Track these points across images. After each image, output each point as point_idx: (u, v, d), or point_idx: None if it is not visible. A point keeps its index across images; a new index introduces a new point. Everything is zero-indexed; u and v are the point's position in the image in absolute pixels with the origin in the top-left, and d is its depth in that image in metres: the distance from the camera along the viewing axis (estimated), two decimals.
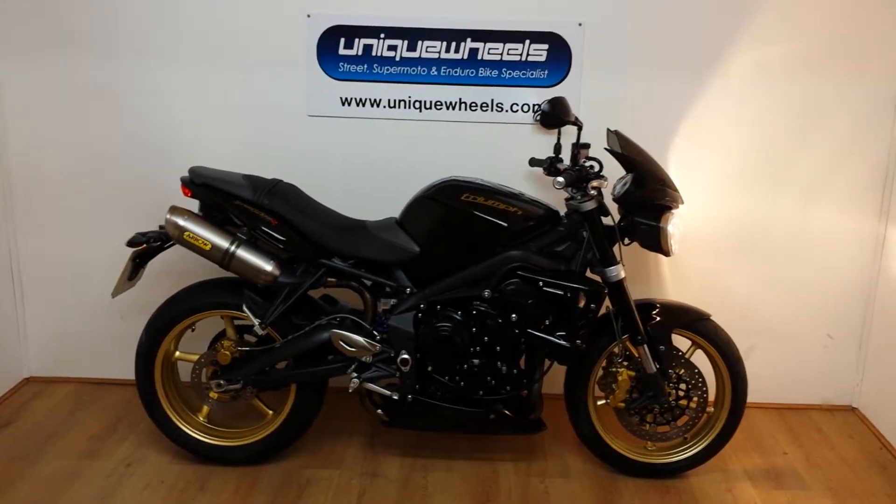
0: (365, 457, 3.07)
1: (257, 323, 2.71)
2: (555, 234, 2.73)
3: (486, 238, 2.69)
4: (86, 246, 3.47)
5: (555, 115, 2.58)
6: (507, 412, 2.82)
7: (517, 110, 3.23)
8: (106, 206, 3.43)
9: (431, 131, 3.27)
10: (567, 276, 2.69)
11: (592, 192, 2.63)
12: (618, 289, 2.72)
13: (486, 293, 2.68)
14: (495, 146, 3.26)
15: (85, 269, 3.50)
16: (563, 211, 2.80)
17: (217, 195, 2.70)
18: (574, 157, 2.67)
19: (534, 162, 3.05)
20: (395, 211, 2.87)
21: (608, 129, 2.78)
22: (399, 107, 3.25)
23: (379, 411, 2.87)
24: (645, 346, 2.76)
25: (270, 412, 3.01)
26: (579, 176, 2.61)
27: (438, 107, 3.24)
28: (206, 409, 2.99)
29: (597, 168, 2.71)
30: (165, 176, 3.29)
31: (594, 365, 2.86)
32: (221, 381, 2.84)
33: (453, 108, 3.24)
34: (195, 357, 2.92)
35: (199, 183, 2.71)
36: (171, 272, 3.34)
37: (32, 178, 3.43)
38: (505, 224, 2.66)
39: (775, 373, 3.50)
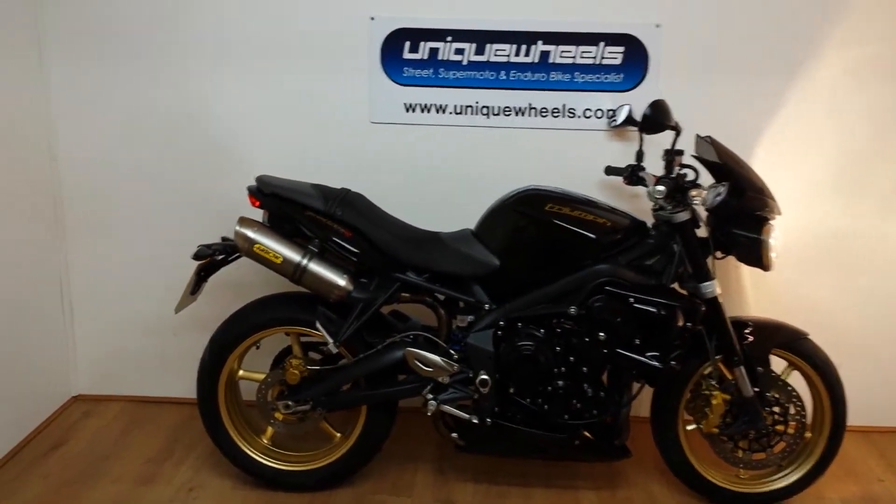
0: (436, 482, 2.91)
1: (332, 342, 2.55)
2: (644, 247, 2.56)
3: (571, 251, 2.53)
4: (137, 260, 3.35)
5: (656, 120, 2.42)
6: (592, 437, 2.65)
7: (590, 115, 3.07)
8: (159, 218, 3.31)
9: (500, 139, 3.13)
10: (659, 291, 2.52)
11: (691, 201, 2.46)
12: (712, 306, 2.54)
13: (572, 310, 2.52)
14: (567, 154, 3.11)
15: (136, 283, 3.38)
16: (649, 222, 2.63)
17: (287, 205, 2.55)
18: (669, 165, 2.51)
19: (611, 170, 2.89)
20: (462, 223, 2.72)
21: (697, 136, 2.61)
22: (466, 113, 3.10)
23: (453, 435, 2.71)
24: (742, 367, 2.58)
25: (338, 435, 2.85)
26: (675, 185, 2.45)
27: (507, 112, 3.09)
28: (270, 430, 2.84)
29: (691, 176, 2.54)
30: (223, 186, 3.19)
31: (684, 387, 2.68)
32: (290, 402, 2.69)
33: (523, 114, 3.09)
34: (260, 376, 2.77)
35: (268, 193, 2.57)
36: (228, 286, 3.20)
37: (84, 190, 3.31)
38: (593, 236, 2.50)
39: (861, 393, 3.29)
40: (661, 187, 2.40)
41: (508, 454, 2.79)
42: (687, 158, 2.55)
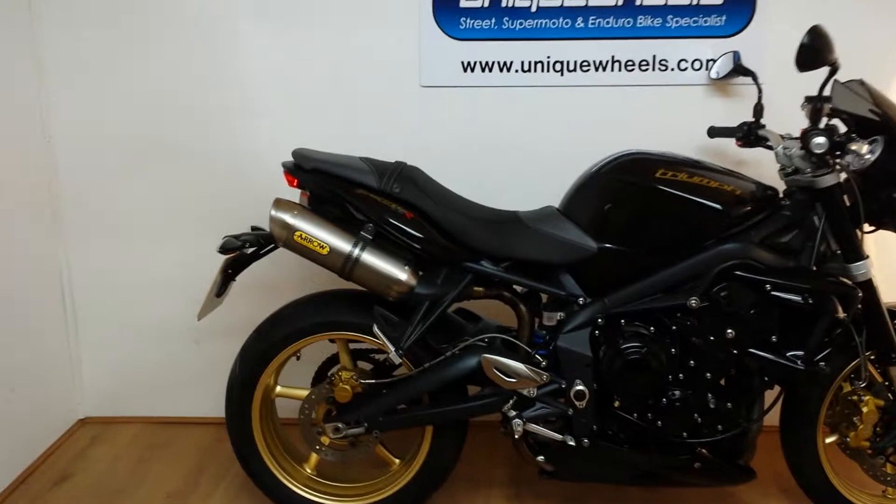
0: None
1: (393, 350, 2.06)
2: (778, 221, 2.06)
3: (690, 228, 2.03)
4: (149, 259, 2.87)
5: (817, 50, 1.89)
6: (714, 458, 2.15)
7: (686, 68, 2.57)
8: (172, 208, 2.82)
9: (576, 100, 2.63)
10: (803, 275, 2.01)
11: (845, 159, 1.95)
12: (865, 291, 2.03)
13: (693, 302, 2.01)
14: (659, 115, 2.61)
15: (148, 286, 2.90)
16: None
17: (333, 183, 2.06)
18: (816, 114, 1.99)
19: (717, 132, 2.39)
20: (538, 200, 2.24)
21: (836, 82, 2.08)
22: (535, 70, 2.61)
23: (540, 459, 2.21)
24: None
25: (397, 461, 2.36)
26: (830, 139, 1.94)
27: (585, 68, 2.59)
28: (315, 458, 2.35)
29: (842, 129, 2.02)
30: (250, 167, 2.69)
31: (826, 392, 2.17)
32: (340, 424, 2.20)
33: (604, 69, 2.59)
34: (301, 392, 2.29)
35: (309, 168, 2.07)
36: (260, 286, 2.72)
37: (83, 180, 2.81)
38: (718, 207, 2.00)
39: None
40: (820, 139, 1.90)
41: (608, 480, 2.29)
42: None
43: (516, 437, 2.12)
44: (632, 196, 2.05)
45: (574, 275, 2.14)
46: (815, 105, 1.98)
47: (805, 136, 1.94)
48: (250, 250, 2.18)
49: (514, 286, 2.18)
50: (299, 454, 2.40)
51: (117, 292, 2.91)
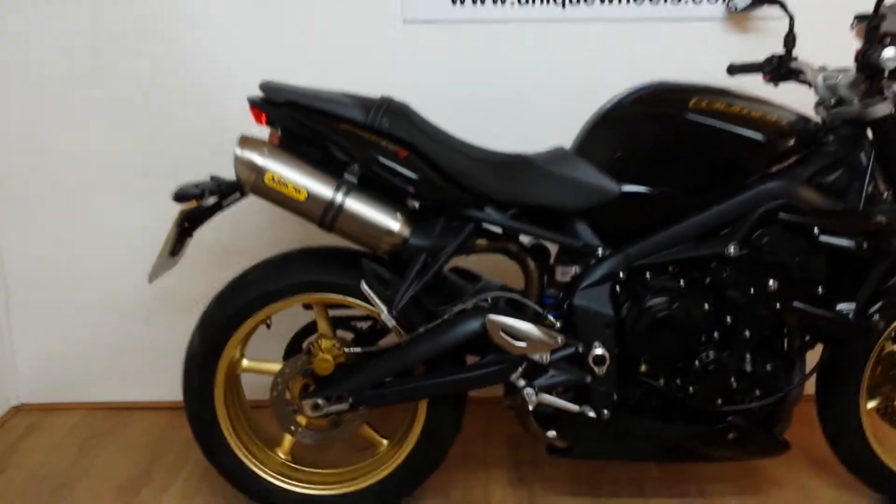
0: (518, 498, 2.13)
1: (385, 310, 1.75)
2: (823, 158, 1.81)
3: (728, 164, 1.77)
4: (89, 230, 2.51)
5: None
6: (750, 428, 1.89)
7: (701, 0, 2.30)
8: (114, 169, 2.46)
9: (579, 36, 2.35)
10: (854, 217, 1.77)
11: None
12: None
13: (731, 249, 1.75)
14: (670, 52, 2.35)
15: (90, 260, 2.54)
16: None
17: (311, 118, 1.74)
18: (871, 33, 1.73)
19: (738, 69, 2.14)
20: (539, 148, 1.93)
21: (879, 2, 1.83)
22: (533, 2, 2.31)
23: (551, 434, 1.93)
24: None
25: (385, 442, 2.05)
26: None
27: None
28: (289, 441, 2.03)
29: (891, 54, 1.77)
30: (202, 111, 2.33)
31: (870, 352, 1.94)
32: (320, 400, 1.88)
33: (610, 1, 2.31)
34: (273, 366, 1.96)
35: (282, 102, 1.74)
36: (214, 252, 2.37)
37: (8, 138, 2.43)
38: (760, 138, 1.73)
39: None
40: (891, 51, 1.65)
41: (627, 457, 2.02)
42: None
43: (530, 408, 1.83)
44: (661, 129, 1.78)
45: (591, 223, 1.85)
46: (871, 23, 1.72)
47: (865, 55, 1.68)
48: (211, 200, 1.85)
49: (522, 238, 1.89)
50: (270, 438, 2.08)
51: (55, 265, 2.54)
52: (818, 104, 1.89)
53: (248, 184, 1.74)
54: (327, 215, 1.74)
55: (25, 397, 2.68)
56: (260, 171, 1.72)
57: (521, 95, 2.37)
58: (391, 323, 1.75)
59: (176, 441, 2.42)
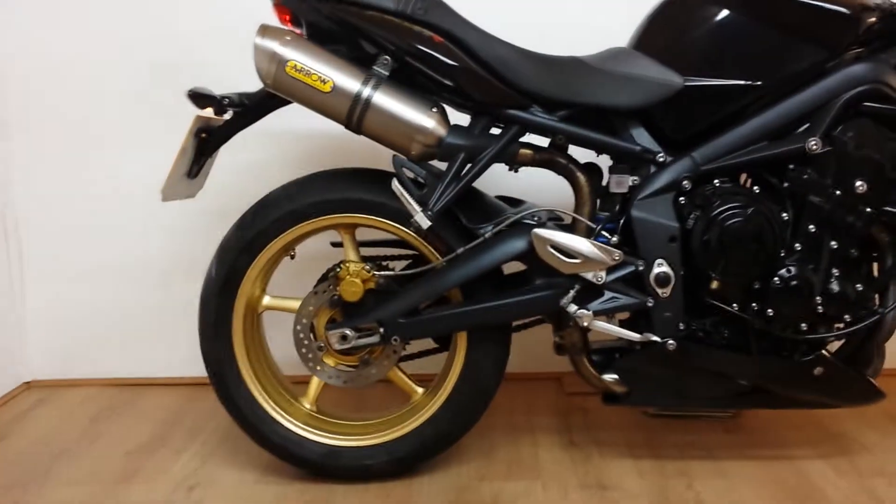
0: (573, 458, 1.89)
1: (419, 210, 1.55)
2: None
3: (810, 43, 1.56)
4: (101, 196, 2.35)
5: None
6: (839, 363, 1.64)
7: None
8: (136, 130, 2.32)
9: None
10: None
11: None
12: None
13: (812, 144, 1.53)
14: None
15: (102, 228, 2.38)
16: None
17: (339, 7, 1.58)
18: None
19: None
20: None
21: None
22: None
23: (608, 377, 1.69)
24: None
25: (419, 390, 1.83)
26: None
27: None
28: (316, 385, 1.82)
29: None
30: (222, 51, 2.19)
31: None
32: (348, 331, 1.68)
33: None
34: (297, 304, 1.76)
35: None
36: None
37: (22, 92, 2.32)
38: (848, 12, 1.53)
39: None
40: None
41: (695, 402, 1.76)
42: None
43: (582, 324, 1.60)
44: (734, 8, 1.57)
45: (650, 128, 1.66)
46: None
47: None
48: (230, 112, 1.69)
49: (573, 145, 1.69)
50: (293, 389, 1.87)
51: (68, 231, 2.39)
52: None
53: (268, 77, 1.58)
54: (354, 112, 1.57)
55: (36, 373, 2.50)
56: (281, 60, 1.56)
57: None
58: (426, 224, 1.55)
59: (195, 412, 2.22)
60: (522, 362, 2.23)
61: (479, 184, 1.67)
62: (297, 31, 1.63)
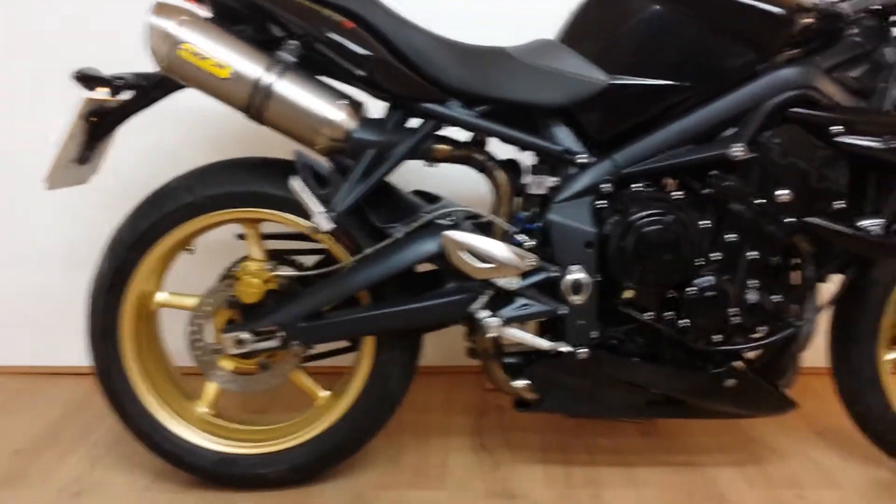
0: (482, 465, 1.83)
1: (321, 212, 1.45)
2: (847, 49, 1.54)
3: (741, 42, 1.49)
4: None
5: None
6: (752, 374, 1.61)
7: None
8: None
9: None
10: (881, 115, 1.50)
11: None
12: None
13: (737, 150, 1.47)
14: None
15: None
16: None
17: None
18: None
19: None
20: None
21: None
22: None
23: (519, 383, 1.63)
24: None
25: (322, 394, 1.74)
26: None
27: None
28: (213, 389, 1.71)
29: None
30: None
31: (891, 288, 1.66)
32: (244, 335, 1.57)
33: None
34: (195, 301, 1.64)
35: None
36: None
37: None
38: (780, 12, 1.46)
39: None
40: None
41: (607, 412, 1.71)
42: None
43: (489, 334, 1.53)
44: (663, 5, 1.49)
45: (573, 126, 1.58)
46: None
47: None
48: (124, 94, 1.55)
49: (492, 140, 1.61)
50: (190, 390, 1.76)
51: None
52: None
53: (161, 59, 1.45)
54: (254, 100, 1.45)
55: None
56: (175, 42, 1.43)
57: None
58: (327, 226, 1.45)
59: (92, 407, 2.08)
60: (443, 355, 2.17)
61: (397, 177, 1.58)
62: (204, 9, 1.50)
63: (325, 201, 1.45)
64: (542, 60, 1.54)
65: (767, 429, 1.98)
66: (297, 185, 1.46)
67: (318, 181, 1.48)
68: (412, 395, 1.99)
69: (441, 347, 2.09)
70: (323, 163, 1.52)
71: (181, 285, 1.73)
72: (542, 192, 1.58)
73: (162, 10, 1.45)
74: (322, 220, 1.44)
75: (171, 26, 1.43)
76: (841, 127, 1.45)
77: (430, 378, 2.20)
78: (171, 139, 2.15)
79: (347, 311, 1.60)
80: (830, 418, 1.88)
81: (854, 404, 1.73)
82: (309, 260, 1.73)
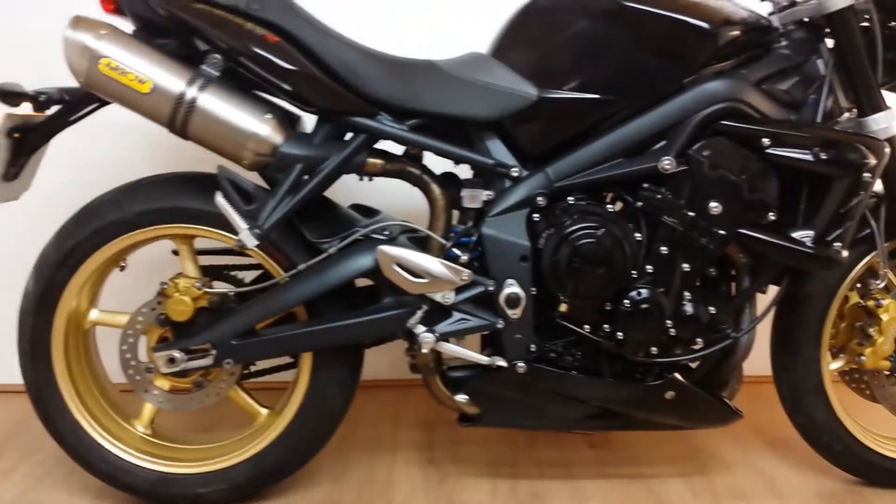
0: (428, 480, 1.81)
1: (244, 228, 1.42)
2: (776, 61, 1.54)
3: (668, 57, 1.49)
4: None
5: None
6: (691, 385, 1.59)
7: None
8: None
9: None
10: (809, 127, 1.50)
11: None
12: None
13: (666, 163, 1.46)
14: None
15: None
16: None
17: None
18: None
19: None
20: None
21: None
22: None
23: (460, 398, 1.61)
24: None
25: (263, 411, 1.71)
26: None
27: None
28: (149, 409, 1.68)
29: None
30: None
31: (833, 297, 1.65)
32: (176, 354, 1.54)
33: None
34: (126, 319, 1.61)
35: None
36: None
37: None
38: (707, 26, 1.45)
39: None
40: None
41: (548, 424, 1.70)
42: None
43: (423, 350, 1.51)
44: (592, 20, 1.49)
45: (506, 140, 1.56)
46: None
47: None
48: (51, 109, 1.52)
49: (425, 154, 1.59)
50: (125, 409, 1.73)
51: None
52: (771, 13, 1.63)
53: (80, 74, 1.42)
54: (177, 114, 1.42)
55: None
56: (94, 56, 1.40)
57: None
58: (252, 243, 1.42)
59: (38, 426, 2.03)
60: (395, 369, 2.13)
61: (334, 192, 1.56)
62: (127, 22, 1.47)
63: (250, 217, 1.43)
64: (473, 74, 1.53)
65: (717, 439, 1.97)
66: (220, 201, 1.44)
67: (243, 197, 1.45)
68: (362, 410, 2.00)
69: (393, 361, 2.06)
70: (248, 179, 1.49)
71: (124, 303, 1.69)
72: (476, 205, 1.56)
73: (80, 23, 1.43)
74: (246, 236, 1.42)
75: (89, 40, 1.41)
76: (769, 139, 1.44)
77: (382, 392, 2.19)
78: (112, 153, 2.11)
79: (282, 327, 1.58)
80: (782, 428, 1.86)
81: (797, 414, 1.72)
82: (251, 275, 1.70)
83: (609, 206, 1.53)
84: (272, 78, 1.44)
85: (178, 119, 1.43)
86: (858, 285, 1.70)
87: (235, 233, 1.46)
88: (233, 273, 1.71)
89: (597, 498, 1.72)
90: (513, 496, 1.73)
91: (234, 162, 1.49)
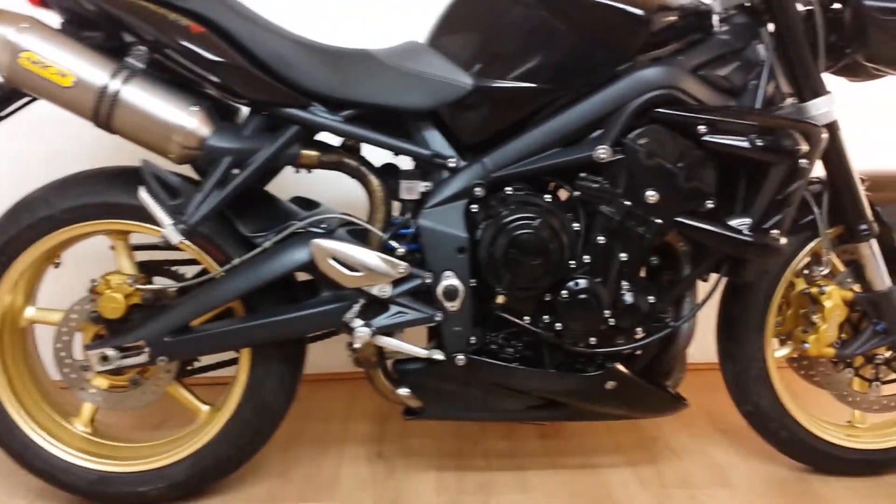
0: (375, 474, 1.79)
1: (169, 224, 1.40)
2: (714, 47, 1.51)
3: (601, 44, 1.46)
4: None
5: None
6: (634, 375, 1.58)
7: None
8: None
9: None
10: (745, 113, 1.48)
11: None
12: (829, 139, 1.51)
13: (602, 152, 1.44)
14: None
15: None
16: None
17: None
18: None
19: None
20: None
21: None
22: None
23: (402, 391, 1.59)
24: (873, 244, 1.58)
25: (204, 408, 1.69)
26: None
27: None
28: (88, 408, 1.65)
29: None
30: None
31: (775, 285, 1.65)
32: (109, 352, 1.52)
33: None
34: (60, 317, 1.59)
35: None
36: None
37: None
38: (640, 13, 1.43)
39: None
40: None
41: (490, 416, 1.69)
42: None
43: (357, 344, 1.49)
44: (525, 8, 1.46)
45: (443, 130, 1.54)
46: None
47: None
48: None
49: (362, 145, 1.57)
50: (65, 407, 1.70)
51: None
52: None
53: (2, 68, 1.39)
54: (101, 107, 1.39)
55: None
56: (15, 50, 1.37)
57: None
58: (176, 239, 1.40)
59: None
60: (346, 362, 2.11)
61: (277, 185, 1.54)
62: (53, 15, 1.44)
63: (176, 212, 1.40)
64: (408, 63, 1.50)
65: (669, 427, 1.96)
66: (143, 196, 1.41)
67: (169, 191, 1.42)
68: (313, 404, 1.98)
69: (344, 354, 2.04)
70: (174, 173, 1.46)
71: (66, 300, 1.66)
72: (414, 197, 1.54)
73: (1, 16, 1.39)
74: (171, 232, 1.39)
75: (10, 33, 1.37)
76: (705, 126, 1.42)
77: (334, 385, 2.17)
78: (46, 147, 2.07)
79: (217, 323, 1.56)
80: (735, 415, 1.86)
81: (742, 402, 1.72)
82: (193, 271, 1.67)
83: (551, 196, 1.51)
84: (199, 70, 1.41)
85: (102, 112, 1.39)
86: (806, 272, 1.69)
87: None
88: (173, 269, 1.68)
89: (543, 489, 1.71)
90: (459, 488, 1.72)
91: (161, 155, 1.46)
